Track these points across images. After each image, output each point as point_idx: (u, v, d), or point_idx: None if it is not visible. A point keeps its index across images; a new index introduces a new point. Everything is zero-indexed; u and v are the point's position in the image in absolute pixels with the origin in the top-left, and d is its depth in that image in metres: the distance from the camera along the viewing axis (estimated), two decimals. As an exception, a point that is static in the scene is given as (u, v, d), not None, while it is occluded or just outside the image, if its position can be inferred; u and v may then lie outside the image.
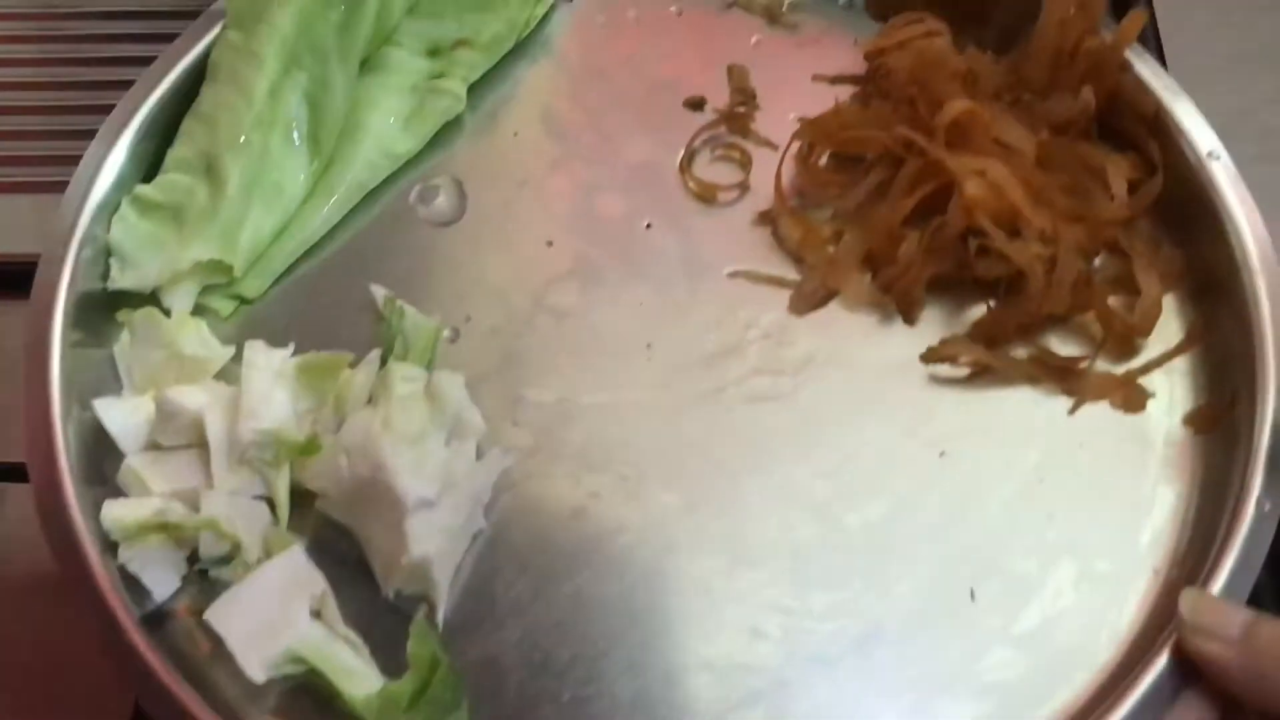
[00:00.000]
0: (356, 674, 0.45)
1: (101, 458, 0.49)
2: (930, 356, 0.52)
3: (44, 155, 0.61)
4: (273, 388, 0.48)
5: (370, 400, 0.49)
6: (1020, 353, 0.52)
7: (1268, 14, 0.70)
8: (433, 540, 0.46)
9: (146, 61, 0.54)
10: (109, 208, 0.52)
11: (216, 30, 0.54)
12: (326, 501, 0.48)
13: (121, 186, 0.52)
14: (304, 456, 0.48)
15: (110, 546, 0.46)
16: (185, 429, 0.48)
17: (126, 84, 0.54)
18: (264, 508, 0.48)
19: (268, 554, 0.47)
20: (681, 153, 0.57)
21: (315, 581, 0.47)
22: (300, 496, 0.48)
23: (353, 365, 0.50)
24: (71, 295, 0.50)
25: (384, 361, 0.50)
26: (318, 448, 0.48)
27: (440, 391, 0.48)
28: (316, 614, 0.47)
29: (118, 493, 0.48)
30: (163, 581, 0.47)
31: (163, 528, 0.47)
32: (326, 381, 0.49)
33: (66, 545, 0.46)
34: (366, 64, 0.57)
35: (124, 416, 0.49)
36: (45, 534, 0.46)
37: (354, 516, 0.48)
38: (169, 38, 0.55)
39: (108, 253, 0.51)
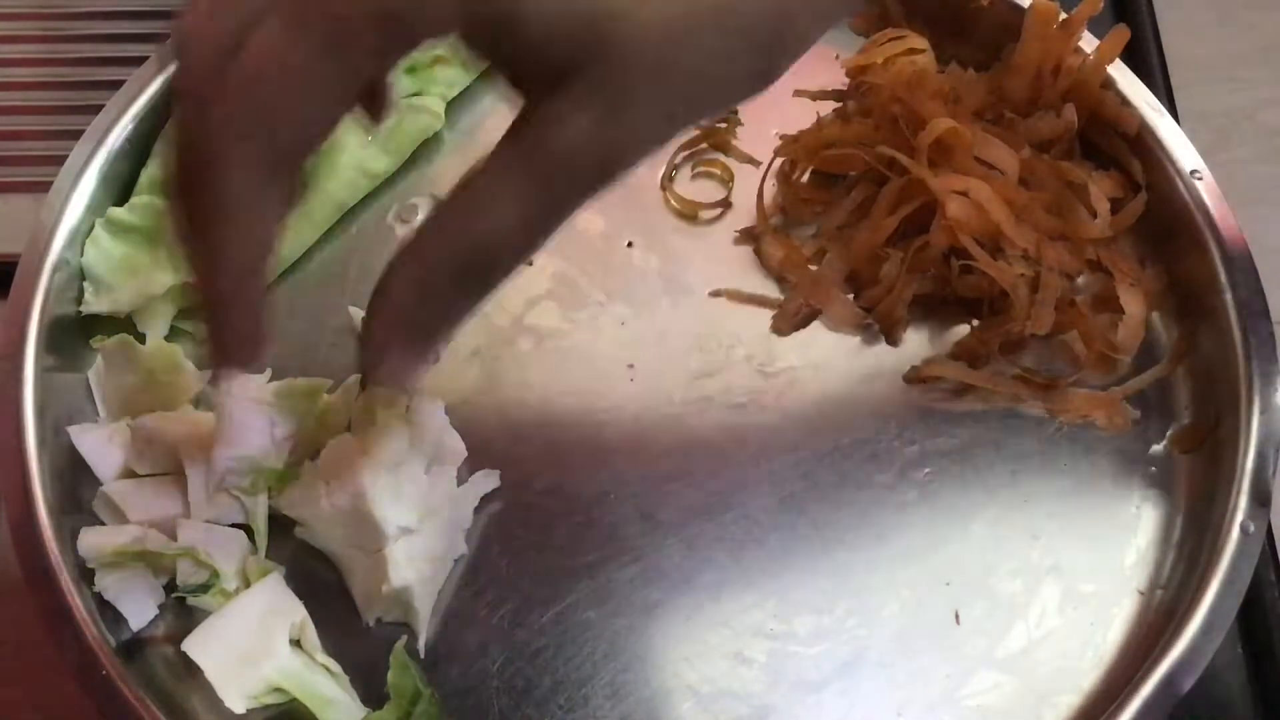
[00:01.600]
0: (337, 704, 0.45)
1: (77, 485, 0.48)
2: (913, 376, 0.52)
3: (44, 155, 0.60)
4: (250, 414, 0.47)
5: (349, 427, 0.48)
6: (1003, 372, 0.52)
7: (1268, 14, 0.70)
8: (413, 568, 0.46)
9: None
10: (82, 231, 0.51)
11: (191, 50, 0.53)
12: (305, 529, 0.48)
13: (94, 209, 0.51)
14: (282, 484, 0.47)
15: (86, 574, 0.46)
16: (162, 457, 0.47)
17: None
18: (242, 536, 0.47)
19: (246, 582, 0.47)
20: (662, 169, 0.57)
21: (295, 610, 0.46)
22: (279, 524, 0.48)
23: (331, 391, 0.49)
24: (45, 320, 0.49)
25: (363, 386, 0.49)
26: (296, 475, 0.47)
27: (420, 418, 0.48)
28: (296, 643, 0.46)
29: (94, 520, 0.48)
30: (140, 609, 0.47)
31: (140, 555, 0.46)
32: (304, 407, 0.48)
33: (42, 574, 0.45)
34: (343, 82, 0.56)
35: (99, 444, 0.48)
36: (20, 563, 0.45)
37: (334, 544, 0.47)
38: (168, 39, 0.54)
39: (81, 277, 0.51)
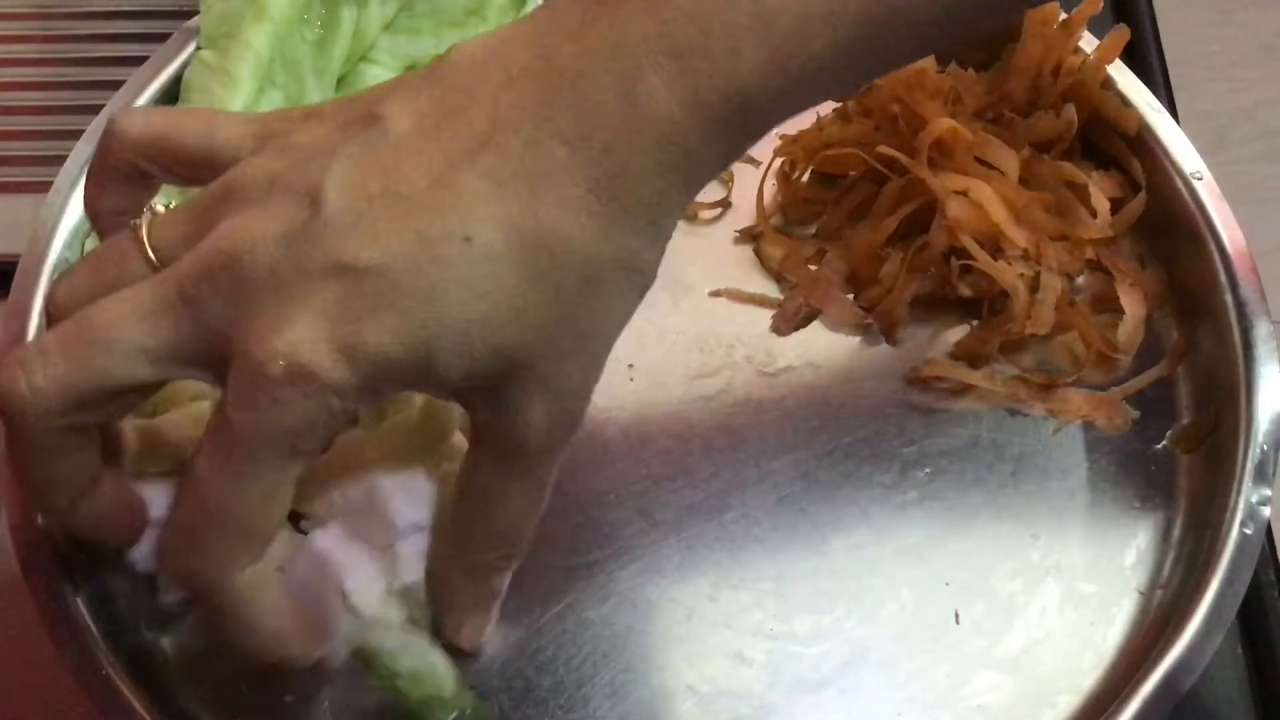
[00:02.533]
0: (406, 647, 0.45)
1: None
2: (913, 377, 0.52)
3: (44, 155, 0.61)
4: None
5: (359, 422, 0.48)
6: (1003, 372, 0.52)
7: (1268, 14, 0.70)
8: (423, 565, 0.46)
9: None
10: (82, 231, 0.51)
11: (189, 50, 0.53)
12: (315, 523, 0.47)
13: (95, 209, 0.52)
14: None
15: (86, 574, 0.46)
16: (168, 457, 0.47)
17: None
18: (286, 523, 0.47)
19: None
20: (662, 170, 0.57)
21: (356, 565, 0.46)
22: (289, 519, 0.48)
23: None
24: (45, 320, 0.49)
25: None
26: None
27: (432, 413, 0.48)
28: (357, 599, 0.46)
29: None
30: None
31: None
32: None
33: (42, 574, 0.45)
34: (343, 82, 0.56)
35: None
36: (20, 563, 0.45)
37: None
38: (168, 38, 0.55)
39: (81, 277, 0.51)
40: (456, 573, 0.43)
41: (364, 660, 0.45)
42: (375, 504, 0.45)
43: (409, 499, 0.45)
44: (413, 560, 0.45)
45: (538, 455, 0.39)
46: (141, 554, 0.46)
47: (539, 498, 0.41)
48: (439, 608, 0.44)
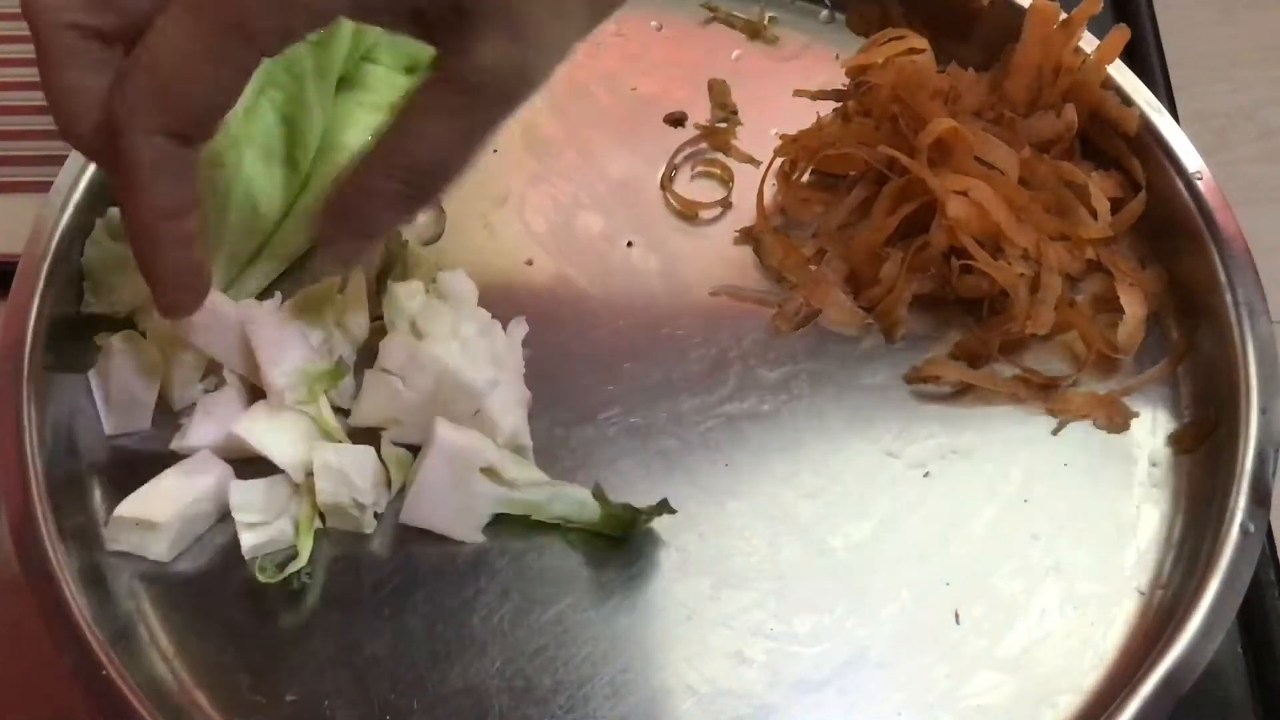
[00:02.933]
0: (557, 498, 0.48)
1: (77, 485, 0.48)
2: (913, 376, 0.52)
3: (44, 155, 0.61)
4: (282, 330, 0.49)
5: (390, 325, 0.50)
6: (1003, 372, 0.52)
7: (1268, 14, 0.70)
8: (512, 413, 0.48)
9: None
10: (82, 231, 0.51)
11: (191, 49, 0.53)
12: (394, 429, 0.49)
13: (94, 209, 0.52)
14: (333, 382, 0.49)
15: (86, 574, 0.46)
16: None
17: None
18: (371, 450, 0.48)
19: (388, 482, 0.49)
20: (663, 169, 0.57)
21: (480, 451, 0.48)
22: (366, 436, 0.49)
23: (341, 290, 0.51)
24: (45, 320, 0.49)
25: (379, 284, 0.51)
26: (345, 370, 0.49)
27: (451, 290, 0.50)
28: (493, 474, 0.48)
29: (93, 520, 0.48)
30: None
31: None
32: (325, 311, 0.50)
33: (41, 573, 0.45)
34: (344, 81, 0.56)
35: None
36: (20, 563, 0.45)
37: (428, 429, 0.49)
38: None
39: (81, 277, 0.51)
40: (353, 192, 0.41)
41: (532, 523, 0.48)
42: (449, 380, 0.47)
43: (477, 361, 0.48)
44: (503, 413, 0.48)
45: (481, 98, 0.38)
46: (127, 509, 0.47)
47: (466, 146, 0.40)
48: (323, 233, 0.43)
